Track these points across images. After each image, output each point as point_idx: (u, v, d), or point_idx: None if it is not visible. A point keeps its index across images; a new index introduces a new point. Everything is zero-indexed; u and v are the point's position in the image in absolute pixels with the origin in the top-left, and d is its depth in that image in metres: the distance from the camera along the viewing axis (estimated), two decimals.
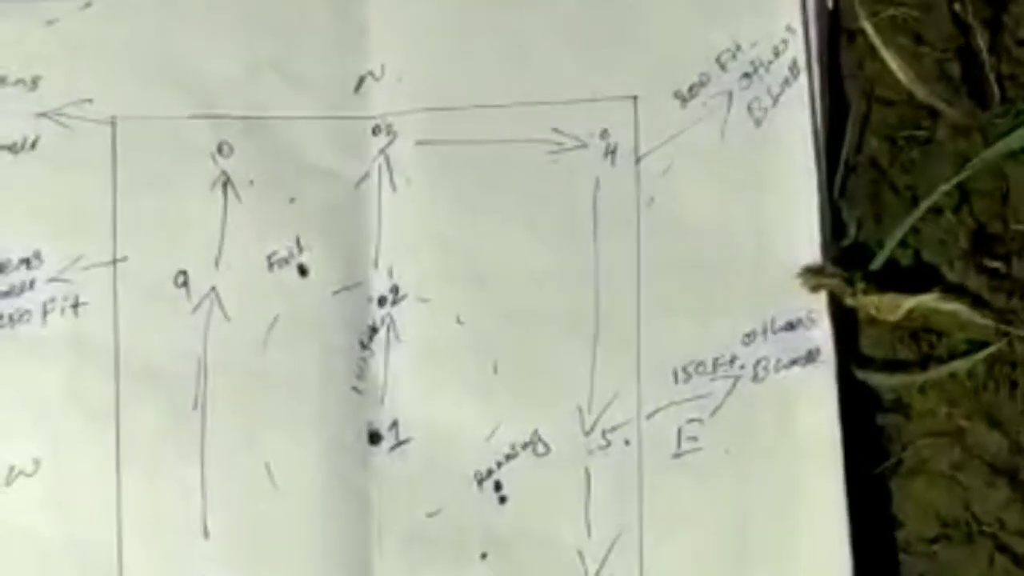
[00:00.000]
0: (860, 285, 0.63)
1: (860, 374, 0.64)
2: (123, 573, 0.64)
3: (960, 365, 0.63)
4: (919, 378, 0.63)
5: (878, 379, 0.64)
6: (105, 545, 0.64)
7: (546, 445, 0.64)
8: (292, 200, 0.65)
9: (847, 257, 0.64)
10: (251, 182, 0.65)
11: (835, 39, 0.66)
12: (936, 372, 0.63)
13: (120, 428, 0.64)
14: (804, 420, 0.63)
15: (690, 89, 0.65)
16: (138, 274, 0.65)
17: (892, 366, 0.64)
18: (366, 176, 0.65)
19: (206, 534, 0.64)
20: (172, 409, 0.65)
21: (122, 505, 0.64)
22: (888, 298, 0.63)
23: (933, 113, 0.65)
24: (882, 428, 0.64)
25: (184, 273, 0.65)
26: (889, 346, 0.64)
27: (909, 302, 0.63)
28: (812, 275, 0.63)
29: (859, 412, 0.64)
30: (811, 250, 0.64)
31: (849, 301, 0.63)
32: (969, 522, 0.63)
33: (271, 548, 0.64)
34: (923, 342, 0.64)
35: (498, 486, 0.64)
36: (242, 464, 0.64)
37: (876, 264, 0.64)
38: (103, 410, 0.65)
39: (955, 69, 0.65)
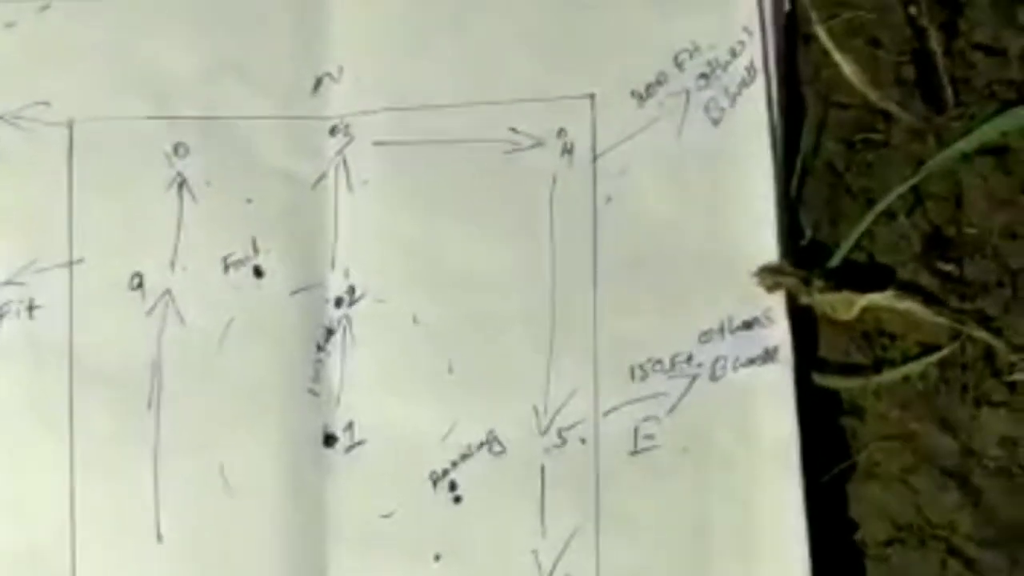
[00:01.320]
0: (817, 283, 0.63)
1: (816, 377, 0.64)
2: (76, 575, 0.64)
3: (913, 368, 0.63)
4: (873, 381, 0.63)
5: (833, 382, 0.64)
6: (58, 548, 0.64)
7: (501, 445, 0.64)
8: (249, 201, 0.65)
9: (803, 258, 0.64)
10: (207, 183, 0.65)
11: (792, 42, 0.66)
12: (889, 375, 0.63)
13: (74, 431, 0.64)
14: (762, 419, 0.63)
15: (647, 88, 0.65)
16: (94, 276, 0.65)
17: (847, 369, 0.64)
18: (323, 177, 0.65)
19: (159, 537, 0.64)
20: (126, 411, 0.64)
21: (75, 508, 0.64)
22: (843, 296, 0.63)
23: (888, 116, 0.65)
24: (837, 431, 0.64)
25: (140, 275, 0.64)
26: (844, 349, 0.64)
27: (863, 300, 0.62)
28: (769, 274, 0.63)
29: (815, 415, 0.63)
30: (768, 250, 0.64)
31: (804, 299, 0.63)
32: (922, 526, 0.63)
33: (225, 551, 0.64)
34: (877, 345, 0.64)
35: (453, 486, 0.64)
36: (196, 467, 0.64)
37: (832, 263, 0.64)
38: (57, 413, 0.64)
39: (910, 72, 0.65)
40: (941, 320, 0.63)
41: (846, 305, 0.63)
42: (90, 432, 0.64)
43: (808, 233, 0.65)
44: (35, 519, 0.64)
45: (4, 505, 0.64)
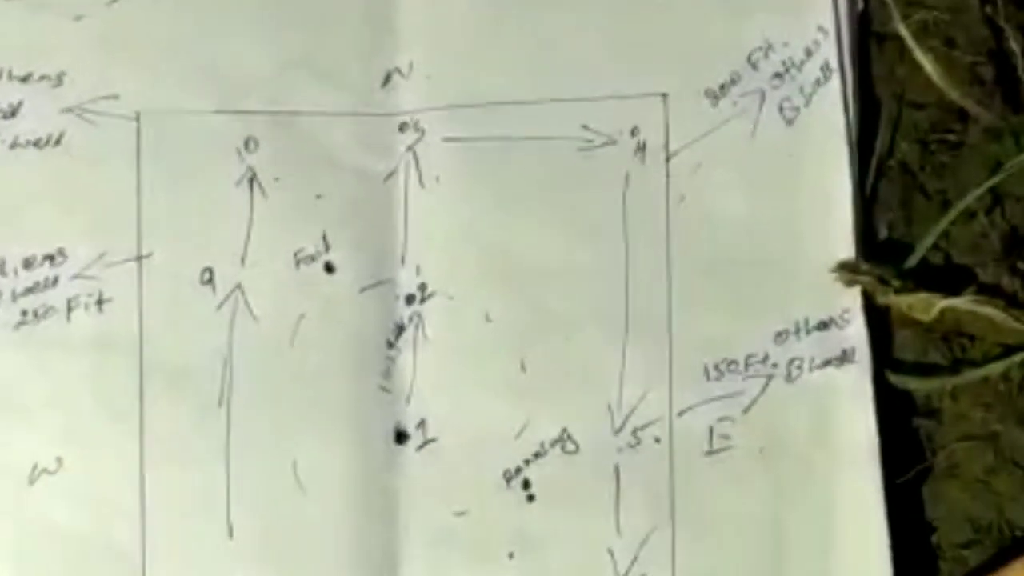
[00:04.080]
0: (894, 283, 0.62)
1: (893, 378, 0.63)
2: (147, 573, 0.64)
3: (994, 368, 0.62)
4: (952, 382, 0.63)
5: (911, 383, 0.63)
6: (129, 545, 0.63)
7: (575, 443, 0.63)
8: (319, 197, 0.64)
9: (879, 259, 0.64)
10: (277, 178, 0.65)
11: (865, 42, 0.66)
12: (969, 376, 0.63)
13: (144, 426, 0.64)
14: (839, 421, 0.62)
15: (721, 87, 0.65)
16: (163, 271, 0.64)
17: (924, 369, 0.63)
18: (393, 173, 0.64)
19: (231, 534, 0.63)
20: (197, 407, 0.64)
21: (146, 504, 0.64)
22: (922, 298, 0.62)
23: (964, 116, 0.64)
24: (914, 432, 0.64)
25: (210, 270, 0.64)
26: (921, 349, 0.64)
27: (943, 302, 0.62)
28: (846, 271, 0.63)
29: (891, 415, 0.63)
30: (844, 249, 0.63)
31: (881, 299, 0.63)
32: (1002, 527, 0.63)
33: (296, 548, 0.64)
34: (955, 345, 0.63)
35: (526, 484, 0.63)
36: (267, 463, 0.64)
37: (910, 263, 0.63)
38: (127, 408, 0.64)
39: (987, 72, 0.65)
40: (1020, 327, 0.62)
41: (925, 306, 0.62)
42: (160, 427, 0.64)
43: (884, 234, 0.64)
44: (106, 514, 0.63)
45: (76, 499, 0.63)
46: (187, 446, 0.64)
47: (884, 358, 0.63)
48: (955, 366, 0.63)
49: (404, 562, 0.63)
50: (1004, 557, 0.62)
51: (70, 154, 0.65)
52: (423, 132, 0.65)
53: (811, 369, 0.63)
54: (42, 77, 0.64)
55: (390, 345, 0.64)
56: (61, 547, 0.63)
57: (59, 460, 0.63)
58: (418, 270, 0.64)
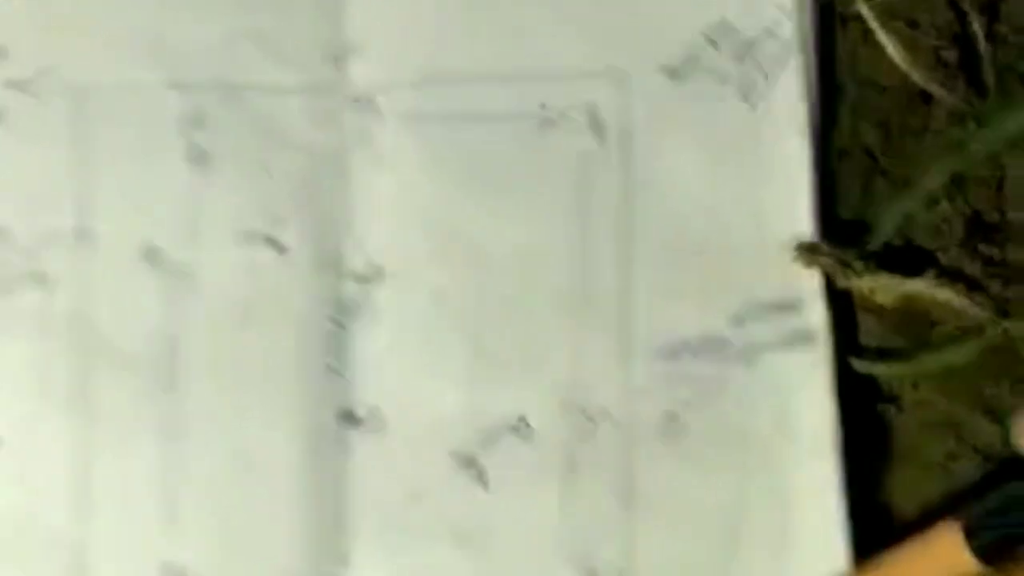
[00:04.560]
0: (855, 266, 0.62)
1: (855, 363, 0.63)
2: (87, 557, 0.62)
3: (954, 353, 0.62)
4: (913, 367, 0.63)
5: (872, 367, 0.63)
6: (70, 528, 0.62)
7: (529, 427, 0.63)
8: (268, 174, 0.64)
9: (841, 241, 0.63)
10: (225, 155, 0.64)
11: (827, 23, 0.65)
12: (929, 361, 0.63)
13: (88, 407, 0.63)
14: (798, 405, 0.62)
15: (681, 67, 0.64)
16: (107, 249, 0.63)
17: (885, 355, 0.63)
18: (345, 150, 0.64)
19: (173, 516, 0.63)
20: (142, 388, 0.63)
21: (89, 487, 0.63)
22: (883, 280, 0.62)
23: (927, 99, 0.64)
24: (875, 417, 0.63)
25: (155, 248, 0.63)
26: (883, 334, 0.63)
27: (904, 286, 0.62)
28: (806, 253, 0.62)
29: (854, 401, 0.63)
30: (805, 231, 0.63)
31: (842, 282, 0.62)
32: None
33: (243, 532, 0.63)
34: (917, 330, 0.63)
35: (479, 469, 0.63)
36: (214, 445, 0.63)
37: (871, 246, 0.63)
38: (70, 388, 0.63)
39: (951, 55, 0.64)
40: (980, 311, 0.62)
41: (885, 290, 0.62)
42: (104, 408, 0.63)
43: (845, 216, 0.64)
44: (45, 498, 0.62)
45: (16, 484, 0.62)
46: (131, 427, 0.63)
47: (848, 344, 0.63)
48: (916, 351, 0.63)
49: (354, 546, 0.63)
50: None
51: (10, 129, 0.64)
52: (376, 109, 0.64)
53: (770, 351, 0.62)
54: None
55: (340, 325, 0.63)
56: None
57: None
58: (369, 250, 0.63)
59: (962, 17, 0.65)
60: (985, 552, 0.58)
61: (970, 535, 0.58)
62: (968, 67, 0.64)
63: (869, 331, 0.64)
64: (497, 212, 0.63)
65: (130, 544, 0.62)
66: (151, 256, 0.63)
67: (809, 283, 0.63)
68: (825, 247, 0.62)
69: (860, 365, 0.63)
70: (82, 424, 0.62)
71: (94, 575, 0.62)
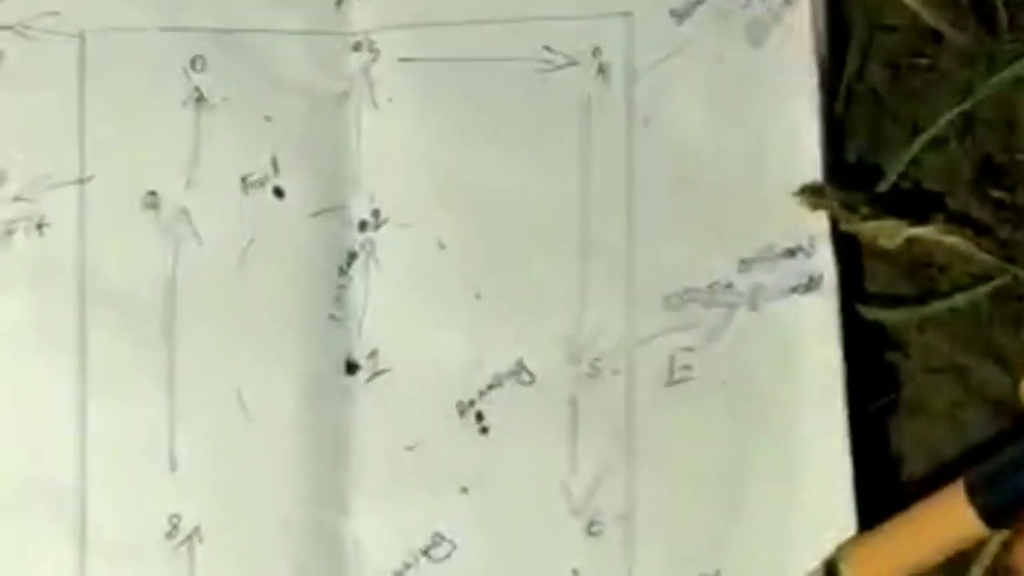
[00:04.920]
0: (861, 210, 0.61)
1: (862, 309, 0.62)
2: (86, 507, 0.62)
3: (961, 299, 0.61)
4: (919, 313, 0.62)
5: (878, 314, 0.62)
6: (67, 478, 0.62)
7: (531, 374, 0.62)
8: (268, 118, 0.63)
9: (848, 185, 0.62)
10: (225, 99, 0.63)
11: None
12: (936, 307, 0.62)
13: (85, 355, 0.62)
14: (805, 351, 0.61)
15: (686, 7, 0.63)
16: (106, 194, 0.62)
17: (892, 301, 0.62)
18: (346, 94, 0.62)
19: (173, 466, 0.62)
20: (140, 335, 0.62)
21: (86, 435, 0.62)
22: (888, 225, 0.61)
23: (937, 39, 0.63)
24: (882, 365, 0.62)
25: (154, 194, 0.62)
26: (890, 280, 0.62)
27: (909, 230, 0.61)
28: (812, 195, 0.61)
29: (860, 348, 0.62)
30: (812, 173, 0.62)
31: (847, 226, 0.61)
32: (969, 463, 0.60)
33: (242, 480, 0.62)
34: (924, 276, 0.62)
35: (480, 417, 0.62)
36: (213, 393, 0.62)
37: (879, 189, 0.62)
38: (66, 335, 0.62)
39: None
40: (988, 256, 0.61)
41: (891, 234, 0.61)
42: (101, 355, 0.62)
43: (852, 159, 0.62)
44: (43, 446, 0.61)
45: (11, 432, 0.61)
46: (129, 375, 0.62)
47: (854, 290, 0.62)
48: (923, 297, 0.62)
49: (354, 495, 0.62)
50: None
51: (10, 73, 0.63)
52: (377, 52, 0.63)
53: (776, 298, 0.61)
54: None
55: (341, 273, 0.62)
56: None
57: None
58: (371, 196, 0.62)
59: None
60: (991, 513, 0.57)
61: (974, 495, 0.57)
62: (979, 6, 0.63)
63: (876, 277, 0.62)
64: (499, 156, 0.62)
65: (129, 496, 0.62)
66: (150, 201, 0.63)
67: (816, 227, 0.62)
68: (831, 190, 0.61)
69: (867, 312, 0.62)
70: (80, 372, 0.62)
71: (97, 529, 0.61)
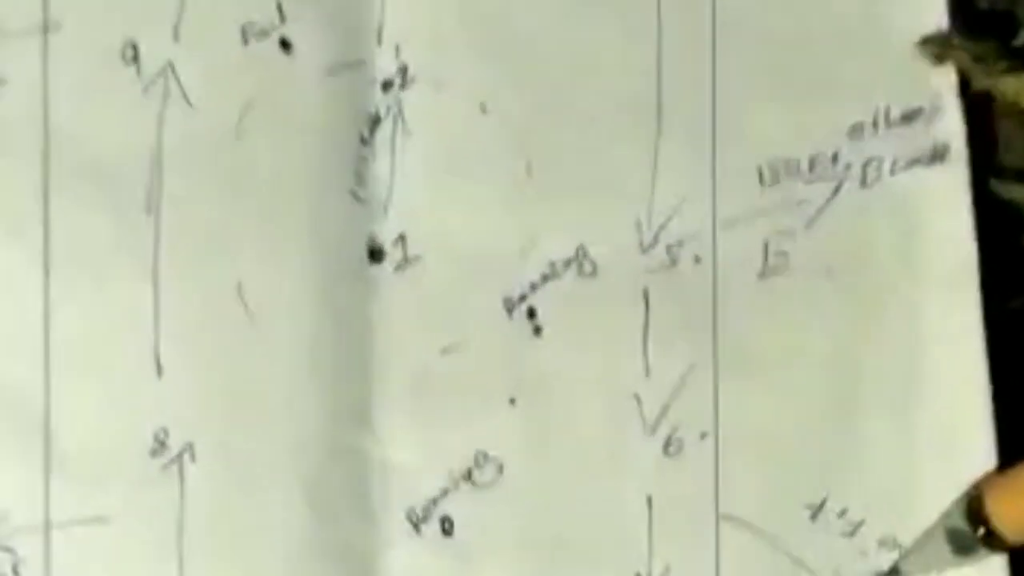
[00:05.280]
0: (997, 64, 0.57)
1: (995, 185, 0.58)
2: (50, 419, 0.56)
3: None
4: None
5: (1016, 192, 0.59)
6: (28, 383, 0.56)
7: (593, 263, 0.58)
8: None
9: (980, 33, 0.59)
10: None
11: None
12: None
13: (50, 238, 0.57)
14: (928, 234, 0.58)
15: None
16: (75, 45, 0.57)
17: None
18: None
19: (159, 370, 0.56)
20: (117, 213, 0.57)
21: (51, 333, 0.56)
22: None
23: None
24: (1019, 252, 0.59)
25: (134, 45, 0.57)
26: None
27: None
28: (936, 45, 0.58)
29: (994, 231, 0.58)
30: (936, 20, 0.58)
31: (980, 83, 0.57)
32: None
33: (243, 391, 0.57)
34: None
35: (532, 314, 0.58)
36: (207, 285, 0.57)
37: (1018, 41, 0.58)
38: (29, 215, 0.56)
39: None
40: None
41: None
42: (71, 240, 0.56)
43: (984, 6, 0.59)
44: (4, 348, 0.56)
45: None
46: (104, 262, 0.57)
47: (986, 163, 0.59)
48: None
49: (378, 407, 0.57)
50: None
51: None
52: None
53: (893, 171, 0.58)
54: None
55: (363, 142, 0.58)
56: None
57: None
58: (398, 49, 0.58)
59: None
60: None
61: None
62: None
63: (1012, 146, 0.59)
64: (556, 1, 0.58)
65: (102, 407, 0.56)
66: (129, 54, 0.57)
67: (942, 85, 0.58)
68: (960, 40, 0.58)
69: (1002, 188, 0.59)
70: (43, 257, 0.57)
71: (63, 445, 0.56)
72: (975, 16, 0.59)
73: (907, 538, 0.56)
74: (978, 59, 0.58)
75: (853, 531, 0.57)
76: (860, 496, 0.57)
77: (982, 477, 0.55)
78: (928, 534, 0.55)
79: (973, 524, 0.54)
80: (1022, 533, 0.54)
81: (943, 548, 0.55)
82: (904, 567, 0.55)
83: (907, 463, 0.57)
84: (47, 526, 0.55)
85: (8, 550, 0.55)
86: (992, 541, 0.54)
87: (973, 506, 0.54)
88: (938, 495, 0.56)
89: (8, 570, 0.55)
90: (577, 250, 0.58)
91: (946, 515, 0.55)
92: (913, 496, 0.57)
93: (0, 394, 0.56)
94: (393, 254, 0.58)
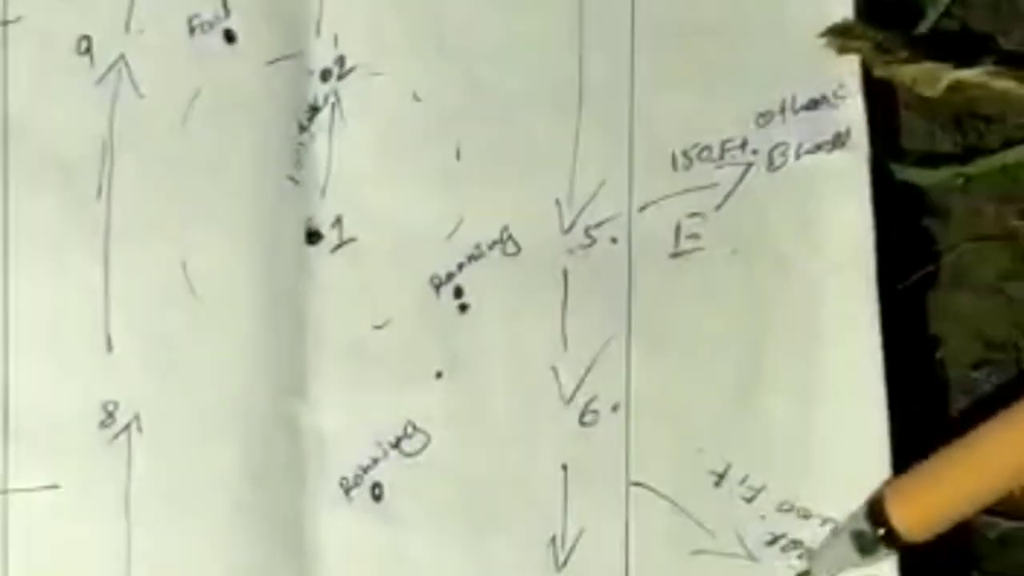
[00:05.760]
0: (898, 53, 0.56)
1: (896, 169, 0.58)
2: (8, 392, 0.57)
3: (1013, 155, 0.57)
4: (963, 172, 0.58)
5: (916, 174, 0.58)
6: None
7: (517, 244, 0.58)
8: None
9: (883, 24, 0.58)
10: None
11: None
12: (984, 164, 0.58)
13: (6, 219, 0.58)
14: (829, 216, 0.57)
15: None
16: (31, 38, 0.58)
17: (933, 160, 0.58)
18: None
19: (109, 346, 0.57)
20: (70, 198, 0.58)
21: (7, 311, 0.58)
22: (928, 69, 0.57)
23: None
24: (919, 232, 0.59)
25: (87, 38, 0.58)
26: (929, 135, 0.59)
27: (952, 74, 0.57)
28: (840, 35, 0.57)
29: (893, 213, 0.58)
30: (841, 11, 0.58)
31: (881, 71, 0.57)
32: (1019, 343, 0.58)
33: (187, 365, 0.58)
34: (969, 129, 0.58)
35: (459, 292, 0.58)
36: (155, 265, 0.58)
37: (919, 29, 0.58)
38: None
39: None
40: None
41: (931, 79, 0.57)
42: (26, 221, 0.58)
43: None
44: None
45: None
46: (57, 243, 0.58)
47: (887, 147, 0.58)
48: (968, 154, 0.58)
49: (313, 380, 0.58)
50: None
51: None
52: None
53: (798, 155, 0.58)
54: None
55: (302, 129, 0.58)
56: None
57: None
58: (335, 40, 0.58)
59: None
60: None
61: None
62: None
63: (913, 131, 0.59)
64: None
65: (56, 380, 0.57)
66: (83, 46, 0.58)
67: (845, 74, 0.58)
68: (863, 29, 0.57)
69: (902, 172, 0.58)
70: (1, 239, 0.58)
71: (20, 416, 0.57)
72: (879, 5, 0.58)
73: (803, 503, 0.56)
74: (880, 48, 0.57)
75: (753, 496, 0.56)
76: (761, 464, 0.57)
77: (886, 480, 0.55)
78: (835, 536, 0.55)
79: (874, 524, 0.54)
80: (918, 531, 0.53)
81: (849, 549, 0.54)
82: (814, 569, 0.55)
83: (805, 434, 0.57)
84: (4, 492, 0.57)
85: None
86: (891, 540, 0.54)
87: (875, 508, 0.54)
88: (834, 464, 0.56)
89: None
90: (501, 231, 0.58)
91: (852, 517, 0.55)
92: (810, 465, 0.57)
93: None
94: (330, 236, 0.58)
